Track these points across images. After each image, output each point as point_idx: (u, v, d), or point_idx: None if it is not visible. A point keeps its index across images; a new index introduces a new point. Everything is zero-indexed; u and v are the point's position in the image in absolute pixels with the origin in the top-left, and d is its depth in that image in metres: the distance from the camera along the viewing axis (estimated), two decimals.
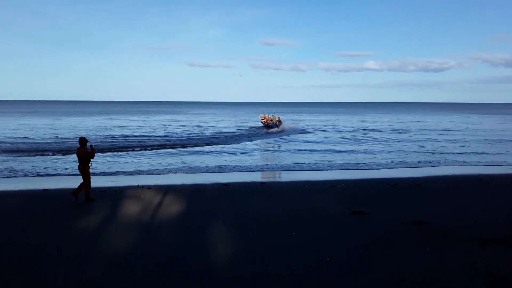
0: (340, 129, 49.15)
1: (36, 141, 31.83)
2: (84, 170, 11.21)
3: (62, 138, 34.78)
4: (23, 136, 36.01)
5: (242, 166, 19.97)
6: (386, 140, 34.70)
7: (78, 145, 11.45)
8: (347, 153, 25.96)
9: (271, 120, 47.10)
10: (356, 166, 20.22)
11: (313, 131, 44.56)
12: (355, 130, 46.86)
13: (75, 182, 13.00)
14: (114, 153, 25.60)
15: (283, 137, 37.46)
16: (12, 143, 30.60)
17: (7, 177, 16.75)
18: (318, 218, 9.68)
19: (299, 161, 21.94)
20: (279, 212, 10.20)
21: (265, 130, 44.61)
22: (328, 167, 19.85)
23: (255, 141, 33.64)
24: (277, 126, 44.96)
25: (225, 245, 7.71)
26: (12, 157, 22.92)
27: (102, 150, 26.19)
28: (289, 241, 7.99)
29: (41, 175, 17.20)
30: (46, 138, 34.70)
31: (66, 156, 23.00)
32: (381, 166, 20.27)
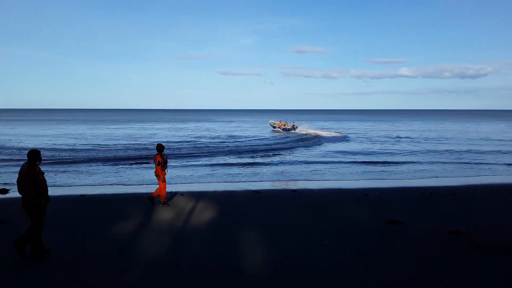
0: (373, 136, 48.42)
1: (104, 148, 32.90)
2: (160, 174, 11.48)
3: (125, 145, 35.75)
4: (88, 143, 37.17)
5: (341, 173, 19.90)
6: (420, 148, 33.90)
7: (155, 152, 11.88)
8: (380, 160, 25.50)
9: (285, 125, 59.20)
10: (389, 174, 19.83)
11: (344, 139, 44.05)
12: (387, 138, 46.05)
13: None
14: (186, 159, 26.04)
15: (326, 144, 37.43)
16: (79, 150, 31.63)
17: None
18: (350, 226, 9.52)
19: (331, 168, 21.71)
20: (311, 220, 10.11)
21: (282, 132, 54.94)
22: (361, 175, 19.55)
23: (312, 148, 34.07)
24: (294, 129, 56.55)
25: (256, 253, 7.69)
26: (109, 166, 23.63)
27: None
28: (321, 250, 7.88)
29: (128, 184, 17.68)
30: (108, 146, 35.48)
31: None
32: (416, 175, 19.80)
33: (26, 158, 7.38)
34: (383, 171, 21.30)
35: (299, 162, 24.97)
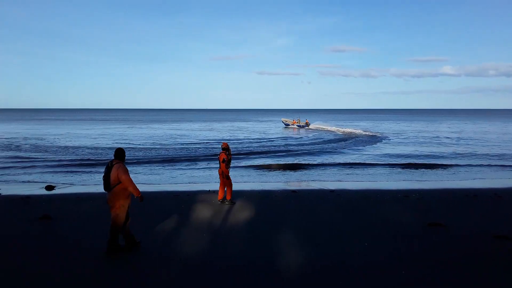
0: (412, 136, 47.26)
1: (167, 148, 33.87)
2: (224, 172, 11.73)
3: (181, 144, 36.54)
4: (145, 142, 38.29)
5: None
6: (464, 149, 32.80)
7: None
8: (420, 161, 24.85)
9: (298, 122, 69.46)
10: (430, 175, 19.30)
11: (383, 139, 43.22)
12: (428, 138, 44.85)
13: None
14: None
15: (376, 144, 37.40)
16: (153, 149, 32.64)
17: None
18: (390, 228, 9.33)
19: (370, 170, 21.36)
20: (349, 221, 9.98)
21: (296, 129, 65.40)
22: (400, 176, 19.13)
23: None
24: (307, 126, 67.46)
25: (293, 253, 7.66)
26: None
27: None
28: (359, 251, 7.77)
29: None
30: (166, 145, 36.46)
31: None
32: (459, 176, 19.19)
33: (110, 157, 7.62)
34: (424, 172, 20.77)
35: (337, 163, 24.73)
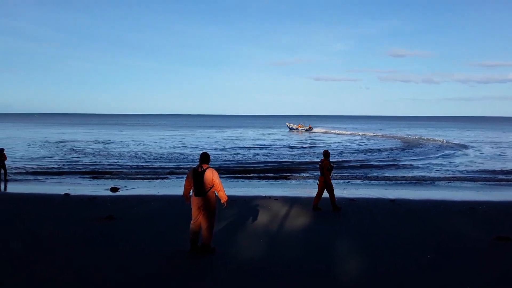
0: (477, 145, 44.80)
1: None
2: (327, 180, 11.85)
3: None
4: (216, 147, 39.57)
5: None
6: None
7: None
8: (487, 169, 23.51)
9: (302, 127, 79.96)
10: (499, 187, 18.19)
11: (447, 148, 41.34)
12: (495, 146, 42.31)
13: None
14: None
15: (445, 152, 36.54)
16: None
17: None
18: (455, 241, 8.87)
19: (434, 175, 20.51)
20: (410, 232, 9.61)
21: (300, 132, 74.54)
22: (465, 186, 18.20)
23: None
24: (311, 130, 77.88)
25: (350, 261, 7.49)
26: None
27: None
28: (420, 263, 7.45)
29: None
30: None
31: None
32: None
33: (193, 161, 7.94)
34: (490, 183, 19.63)
35: (397, 168, 23.98)
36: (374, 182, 19.77)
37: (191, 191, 7.79)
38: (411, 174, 22.80)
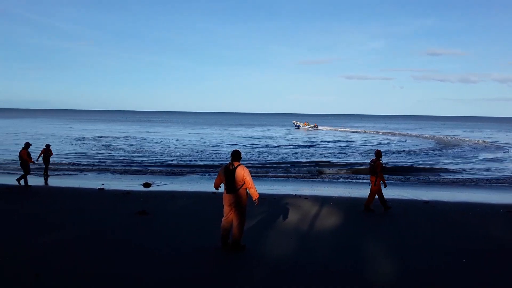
0: None
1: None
2: (376, 181, 11.70)
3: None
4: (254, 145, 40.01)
5: None
6: None
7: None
8: None
9: (308, 124, 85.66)
10: None
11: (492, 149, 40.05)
12: None
13: None
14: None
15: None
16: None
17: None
18: (491, 245, 8.57)
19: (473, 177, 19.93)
20: (444, 235, 9.35)
21: (306, 129, 79.78)
22: (505, 189, 17.58)
23: None
24: (316, 128, 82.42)
25: (381, 263, 7.36)
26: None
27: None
28: (455, 268, 7.23)
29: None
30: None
31: None
32: None
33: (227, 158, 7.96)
34: None
35: (432, 171, 23.40)
36: (406, 183, 19.36)
37: (223, 187, 7.83)
38: (445, 175, 22.24)
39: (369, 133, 70.76)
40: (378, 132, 73.36)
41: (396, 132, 73.40)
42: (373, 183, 11.75)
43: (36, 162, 18.12)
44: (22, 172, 15.92)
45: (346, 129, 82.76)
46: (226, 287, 6.17)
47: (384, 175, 12.05)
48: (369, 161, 14.10)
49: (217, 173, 7.98)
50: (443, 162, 28.59)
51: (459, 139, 53.88)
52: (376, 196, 11.87)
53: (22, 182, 15.84)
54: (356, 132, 74.74)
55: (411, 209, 12.33)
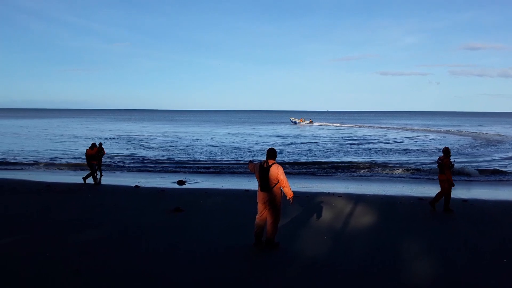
0: None
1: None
2: (448, 179, 11.40)
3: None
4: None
5: None
6: None
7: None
8: None
9: (304, 120, 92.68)
10: None
11: None
12: None
13: None
14: None
15: None
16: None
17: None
18: None
19: None
20: (484, 235, 9.04)
21: (302, 125, 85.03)
22: None
23: None
24: (311, 124, 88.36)
25: (419, 264, 7.18)
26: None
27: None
28: (498, 270, 6.98)
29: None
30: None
31: None
32: None
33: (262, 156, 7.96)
34: None
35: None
36: None
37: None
38: (481, 172, 21.48)
39: (408, 130, 69.02)
40: (415, 129, 71.61)
41: (433, 129, 71.45)
42: (442, 182, 11.36)
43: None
44: (89, 171, 16.47)
45: (338, 124, 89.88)
46: (258, 286, 6.19)
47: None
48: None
49: (247, 169, 7.98)
50: (486, 160, 27.64)
51: (501, 135, 51.96)
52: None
53: (90, 180, 16.43)
54: (360, 127, 75.13)
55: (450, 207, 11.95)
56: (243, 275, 6.59)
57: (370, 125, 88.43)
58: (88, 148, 16.76)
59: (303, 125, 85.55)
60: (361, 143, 40.61)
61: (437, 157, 11.89)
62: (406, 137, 49.04)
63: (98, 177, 17.00)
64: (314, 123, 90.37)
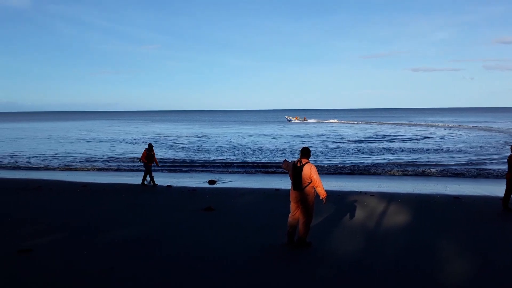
0: None
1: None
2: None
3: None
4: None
5: None
6: None
7: None
8: None
9: (299, 118, 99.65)
10: None
11: None
12: None
13: None
14: None
15: None
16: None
17: None
18: None
19: None
20: None
21: (298, 121, 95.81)
22: None
23: None
24: (306, 121, 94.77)
25: (454, 263, 6.99)
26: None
27: None
28: None
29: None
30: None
31: None
32: None
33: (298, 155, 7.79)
34: None
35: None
36: (479, 178, 18.30)
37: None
38: None
39: (440, 126, 67.30)
40: (449, 125, 69.77)
41: (467, 125, 69.47)
42: (510, 180, 10.89)
43: (139, 162, 18.42)
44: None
45: (334, 121, 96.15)
46: (290, 285, 6.17)
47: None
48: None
49: (280, 168, 7.98)
50: None
51: None
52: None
53: (147, 181, 16.61)
54: (365, 124, 73.57)
55: (488, 207, 11.59)
56: (276, 272, 6.58)
57: (403, 122, 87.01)
58: (145, 149, 16.84)
59: (298, 122, 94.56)
60: (389, 141, 39.91)
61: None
62: (439, 134, 47.84)
63: (148, 178, 16.82)
64: (308, 120, 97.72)
